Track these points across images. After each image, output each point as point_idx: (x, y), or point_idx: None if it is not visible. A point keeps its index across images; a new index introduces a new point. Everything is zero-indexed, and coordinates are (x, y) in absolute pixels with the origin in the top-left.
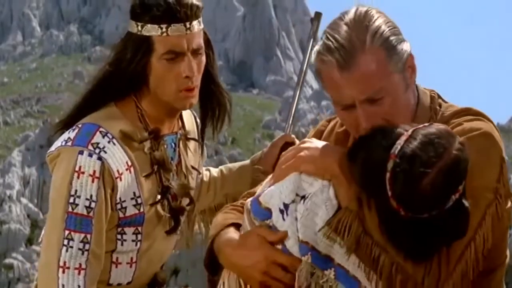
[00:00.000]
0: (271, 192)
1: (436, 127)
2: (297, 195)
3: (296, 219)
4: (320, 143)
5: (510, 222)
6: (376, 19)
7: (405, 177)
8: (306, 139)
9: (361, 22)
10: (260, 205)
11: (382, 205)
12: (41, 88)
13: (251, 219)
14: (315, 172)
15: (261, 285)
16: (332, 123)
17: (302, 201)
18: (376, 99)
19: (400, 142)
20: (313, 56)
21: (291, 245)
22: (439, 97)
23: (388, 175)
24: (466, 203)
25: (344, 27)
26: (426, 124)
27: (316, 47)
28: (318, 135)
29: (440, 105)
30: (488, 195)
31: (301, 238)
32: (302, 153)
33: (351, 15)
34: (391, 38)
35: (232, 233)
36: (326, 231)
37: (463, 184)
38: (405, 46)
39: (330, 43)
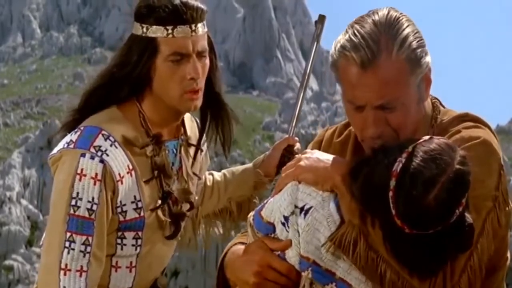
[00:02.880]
0: (271, 206)
1: (436, 141)
2: (296, 206)
3: (298, 232)
4: (321, 154)
5: (510, 225)
6: (405, 28)
7: (408, 196)
8: (307, 150)
9: (391, 27)
10: (262, 219)
11: (386, 222)
12: (41, 89)
13: (254, 233)
14: (314, 181)
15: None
16: (329, 132)
17: (302, 214)
18: (390, 107)
19: (401, 160)
20: (335, 48)
21: (291, 256)
22: (440, 103)
23: (391, 193)
24: (468, 216)
25: (374, 27)
26: (426, 138)
27: (341, 41)
28: (317, 146)
29: (439, 112)
30: (487, 203)
31: (302, 253)
32: (302, 162)
33: (382, 16)
34: (417, 50)
35: (239, 246)
36: (329, 247)
37: (466, 197)
38: (427, 59)
39: (357, 40)
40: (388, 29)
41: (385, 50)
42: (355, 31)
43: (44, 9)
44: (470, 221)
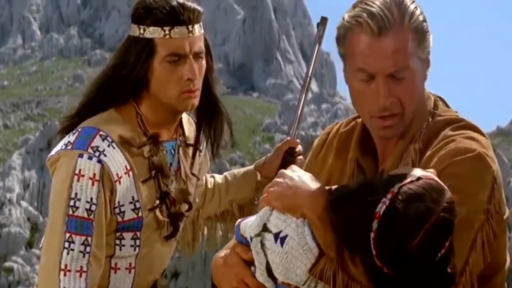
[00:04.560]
0: (246, 224)
1: (422, 183)
2: (265, 229)
3: (264, 254)
4: (293, 177)
5: (510, 227)
6: (411, 3)
7: (390, 240)
8: (282, 171)
9: (400, 1)
10: (239, 230)
11: (366, 259)
12: (41, 91)
13: (236, 241)
14: (283, 209)
15: None
16: (337, 126)
17: (278, 242)
18: (399, 77)
19: (385, 201)
20: (344, 20)
21: (258, 275)
22: (444, 102)
23: (372, 235)
24: (451, 259)
25: (385, 0)
26: (414, 177)
27: (351, 13)
28: (324, 137)
29: (437, 108)
30: (480, 216)
31: (282, 279)
32: (272, 188)
33: None
34: (423, 24)
35: (221, 253)
36: (311, 281)
37: (449, 240)
38: (431, 37)
39: (371, 8)
40: (398, 2)
41: (398, 18)
42: (368, 2)
43: (44, 10)
44: (451, 271)
